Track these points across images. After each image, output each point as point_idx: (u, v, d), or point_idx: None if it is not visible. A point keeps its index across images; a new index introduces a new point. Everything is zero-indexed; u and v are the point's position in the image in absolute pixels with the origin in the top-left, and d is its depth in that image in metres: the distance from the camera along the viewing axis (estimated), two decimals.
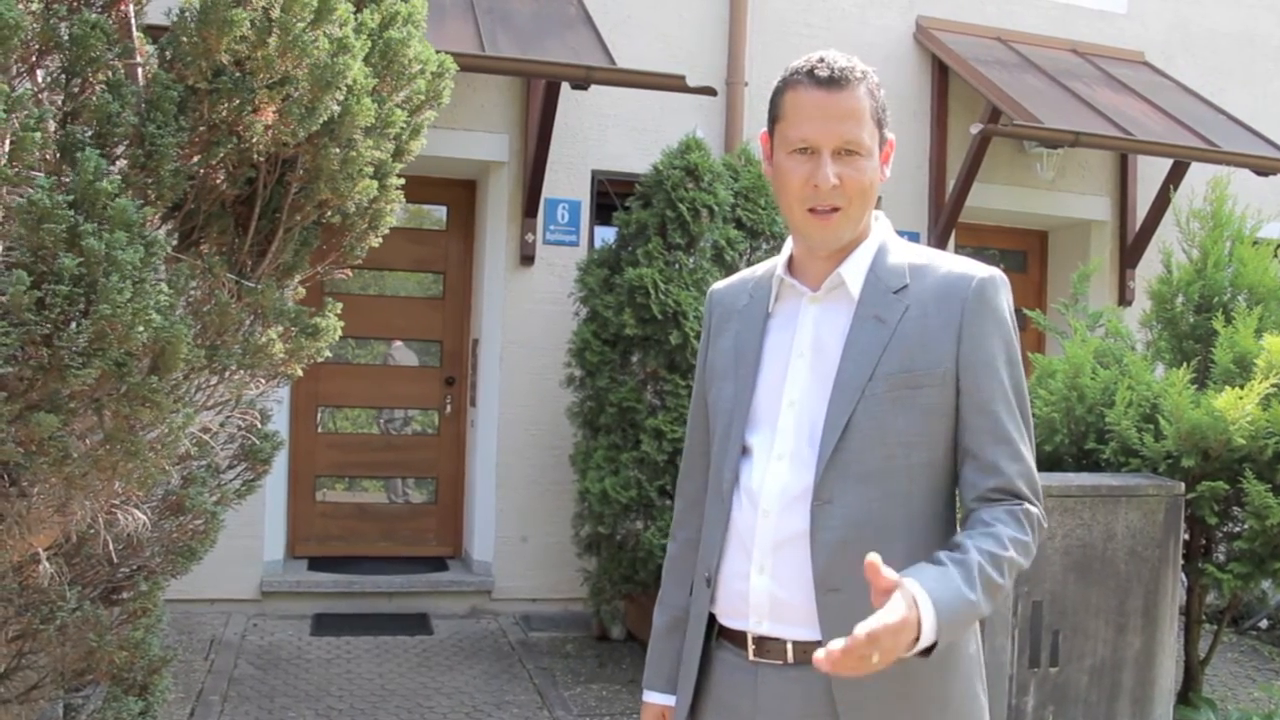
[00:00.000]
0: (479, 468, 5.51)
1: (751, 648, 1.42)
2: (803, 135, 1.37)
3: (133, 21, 1.98)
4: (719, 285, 1.63)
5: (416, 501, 5.94)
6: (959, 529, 1.41)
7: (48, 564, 1.96)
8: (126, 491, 2.04)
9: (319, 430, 5.72)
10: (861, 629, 1.10)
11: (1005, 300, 1.42)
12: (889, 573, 1.16)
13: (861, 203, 1.40)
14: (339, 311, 2.55)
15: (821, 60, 1.38)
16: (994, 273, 1.42)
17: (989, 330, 1.38)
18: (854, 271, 1.43)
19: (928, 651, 1.20)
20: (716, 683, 1.48)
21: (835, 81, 1.37)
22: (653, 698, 1.60)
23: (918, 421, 1.37)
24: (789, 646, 1.39)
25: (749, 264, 4.74)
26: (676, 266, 4.57)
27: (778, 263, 1.51)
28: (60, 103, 1.86)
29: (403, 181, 2.53)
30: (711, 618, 1.48)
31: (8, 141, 1.65)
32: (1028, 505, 1.37)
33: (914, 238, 5.77)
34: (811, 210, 1.39)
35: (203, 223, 2.17)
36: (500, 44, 4.79)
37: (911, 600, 1.17)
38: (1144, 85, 6.13)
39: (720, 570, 1.45)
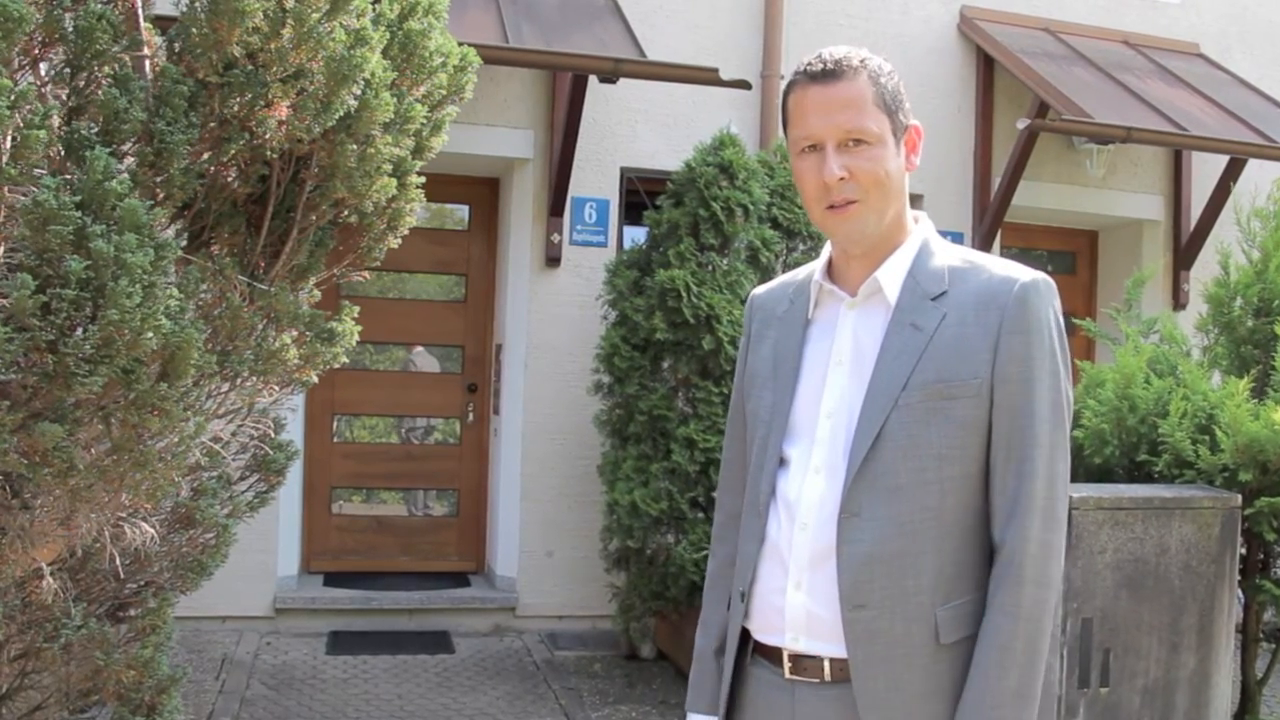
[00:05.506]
0: (502, 479, 5.42)
1: (787, 665, 1.40)
2: (805, 133, 1.37)
3: (140, 12, 1.96)
4: (759, 290, 1.61)
5: (437, 514, 5.86)
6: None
7: (51, 579, 1.94)
8: (134, 504, 2.00)
9: (335, 439, 5.65)
10: None
11: (1051, 307, 1.37)
12: None
13: (880, 193, 1.37)
14: (356, 315, 2.53)
15: (818, 56, 1.39)
16: (1039, 277, 1.37)
17: (1029, 341, 1.33)
18: (891, 276, 1.40)
19: None
20: (751, 700, 1.46)
21: (830, 73, 1.36)
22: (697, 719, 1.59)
23: (952, 434, 1.33)
24: (826, 664, 1.36)
25: (785, 265, 4.64)
26: (709, 268, 4.47)
27: (817, 267, 1.49)
28: (64, 98, 1.81)
29: (423, 179, 2.51)
30: (746, 633, 1.45)
31: (9, 139, 1.58)
32: (1023, 572, 1.31)
33: (958, 238, 5.66)
34: (830, 208, 1.38)
35: (213, 222, 2.15)
36: (525, 35, 4.71)
37: None
38: (1198, 78, 6.04)
39: (755, 584, 1.43)
